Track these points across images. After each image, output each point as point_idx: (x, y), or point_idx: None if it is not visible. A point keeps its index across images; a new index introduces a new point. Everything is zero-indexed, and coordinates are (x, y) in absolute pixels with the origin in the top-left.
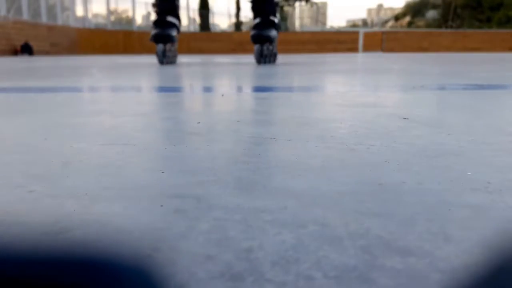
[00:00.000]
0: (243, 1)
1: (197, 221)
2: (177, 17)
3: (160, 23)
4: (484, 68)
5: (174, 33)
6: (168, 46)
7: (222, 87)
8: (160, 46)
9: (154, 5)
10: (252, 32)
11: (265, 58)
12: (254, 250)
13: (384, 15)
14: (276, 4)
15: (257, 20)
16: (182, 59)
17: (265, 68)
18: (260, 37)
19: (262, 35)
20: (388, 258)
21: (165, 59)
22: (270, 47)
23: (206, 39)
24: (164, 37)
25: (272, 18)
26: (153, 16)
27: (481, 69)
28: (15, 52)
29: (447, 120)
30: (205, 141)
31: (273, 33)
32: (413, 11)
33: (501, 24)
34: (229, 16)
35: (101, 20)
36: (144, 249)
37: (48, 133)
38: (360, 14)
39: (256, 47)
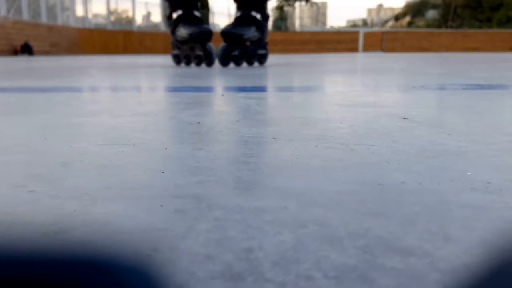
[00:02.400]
0: None
1: (197, 221)
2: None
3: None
4: (484, 68)
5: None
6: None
7: (220, 87)
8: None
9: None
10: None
11: (237, 60)
12: (254, 250)
13: (384, 15)
14: None
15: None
16: None
17: (266, 69)
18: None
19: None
20: (388, 258)
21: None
22: (251, 47)
23: None
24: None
25: (254, 13)
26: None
27: (481, 69)
28: (15, 52)
29: (447, 120)
30: (206, 141)
31: (251, 31)
32: (413, 11)
33: (501, 24)
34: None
35: (101, 20)
36: (144, 249)
37: (48, 133)
38: (360, 14)
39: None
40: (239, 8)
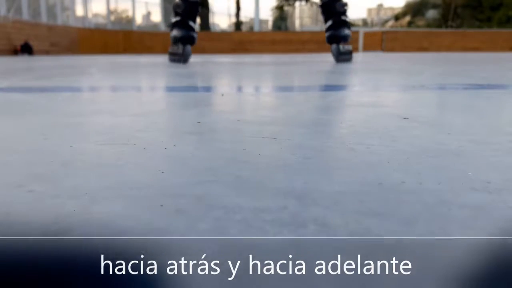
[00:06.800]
0: (243, 0)
1: (197, 221)
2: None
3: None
4: (484, 68)
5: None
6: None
7: (224, 86)
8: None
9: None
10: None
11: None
12: None
13: (384, 15)
14: (345, 4)
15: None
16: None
17: (268, 67)
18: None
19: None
20: (388, 258)
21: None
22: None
23: (206, 38)
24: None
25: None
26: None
27: (481, 69)
28: (15, 51)
29: (447, 120)
30: (205, 141)
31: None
32: (413, 11)
33: (501, 23)
34: (229, 15)
35: (101, 20)
36: (144, 249)
37: (48, 133)
38: (360, 14)
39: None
40: (330, 17)
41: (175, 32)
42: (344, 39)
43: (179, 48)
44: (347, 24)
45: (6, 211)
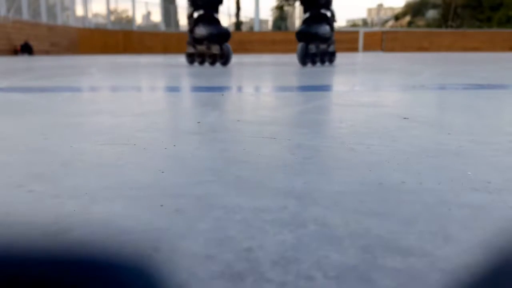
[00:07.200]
0: (243, 0)
1: (197, 221)
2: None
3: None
4: (484, 68)
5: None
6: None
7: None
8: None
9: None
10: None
11: (314, 58)
12: (254, 250)
13: (384, 15)
14: None
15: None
16: (180, 59)
17: (269, 68)
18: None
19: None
20: (388, 258)
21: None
22: (323, 46)
23: None
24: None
25: (324, 11)
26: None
27: (481, 69)
28: (15, 51)
29: (447, 120)
30: (206, 141)
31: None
32: (413, 11)
33: (501, 23)
34: (229, 15)
35: (101, 20)
36: (144, 249)
37: (48, 133)
38: (360, 14)
39: (299, 45)
40: (308, 8)
41: (202, 30)
42: (317, 38)
43: (212, 48)
44: (328, 20)
45: (6, 211)
